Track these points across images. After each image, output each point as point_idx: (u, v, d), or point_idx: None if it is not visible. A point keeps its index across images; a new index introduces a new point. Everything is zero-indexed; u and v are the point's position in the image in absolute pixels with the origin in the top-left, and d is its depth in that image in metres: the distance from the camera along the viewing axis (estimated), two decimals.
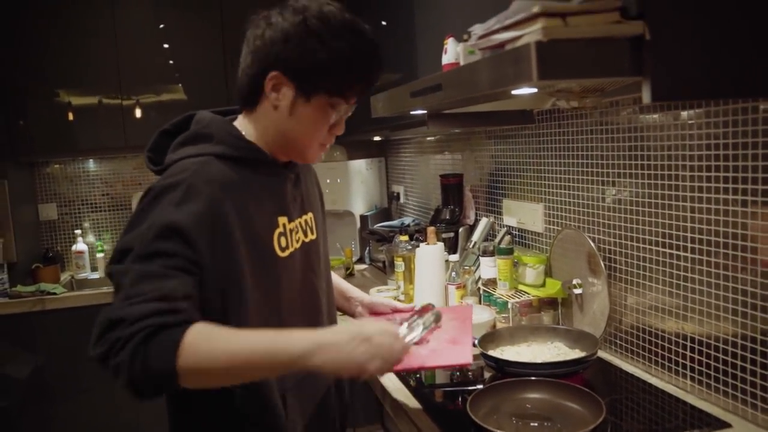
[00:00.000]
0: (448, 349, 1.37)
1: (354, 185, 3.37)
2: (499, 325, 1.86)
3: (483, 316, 1.86)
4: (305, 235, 1.26)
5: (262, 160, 1.15)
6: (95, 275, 3.43)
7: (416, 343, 1.39)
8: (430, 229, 2.13)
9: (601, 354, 1.72)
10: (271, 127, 1.15)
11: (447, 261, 2.08)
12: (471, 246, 2.22)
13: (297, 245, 1.23)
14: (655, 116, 1.46)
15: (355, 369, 0.99)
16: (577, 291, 1.78)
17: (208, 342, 0.94)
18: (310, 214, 1.29)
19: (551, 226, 1.97)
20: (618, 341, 1.68)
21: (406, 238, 2.25)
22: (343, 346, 0.98)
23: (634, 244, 1.57)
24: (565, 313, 1.87)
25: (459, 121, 1.88)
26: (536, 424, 1.26)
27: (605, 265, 1.67)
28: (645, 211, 1.52)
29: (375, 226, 3.11)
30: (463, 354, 1.33)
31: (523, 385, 1.40)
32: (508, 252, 1.89)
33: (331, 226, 3.51)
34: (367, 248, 3.24)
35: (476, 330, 1.71)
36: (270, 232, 1.14)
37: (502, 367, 1.50)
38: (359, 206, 3.38)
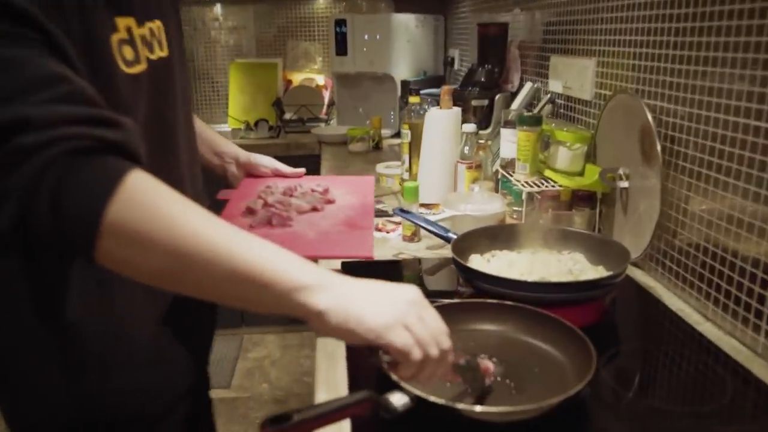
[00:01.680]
0: (345, 236, 0.98)
1: (397, 44, 2.81)
2: (510, 222, 1.37)
3: (489, 206, 1.37)
4: (150, 50, 0.80)
5: None
6: None
7: (301, 212, 0.99)
8: (445, 89, 1.61)
9: (640, 277, 1.20)
10: None
11: (462, 133, 1.57)
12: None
13: (144, 65, 0.78)
14: None
15: (370, 331, 0.64)
16: (623, 184, 1.23)
17: (169, 205, 0.59)
18: (157, 22, 0.82)
19: (603, 90, 1.39)
20: (666, 261, 1.14)
21: (417, 99, 1.74)
22: (362, 294, 0.66)
23: (710, 114, 0.99)
24: (605, 215, 1.34)
25: None
26: (465, 383, 0.80)
27: (663, 147, 1.11)
28: (726, 74, 0.92)
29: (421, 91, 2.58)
30: (363, 243, 0.96)
31: (487, 311, 0.93)
32: (534, 122, 1.35)
33: (366, 91, 3.03)
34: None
35: (471, 223, 1.23)
36: (106, 35, 0.70)
37: (471, 281, 1.03)
38: (402, 71, 2.84)
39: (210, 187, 1.16)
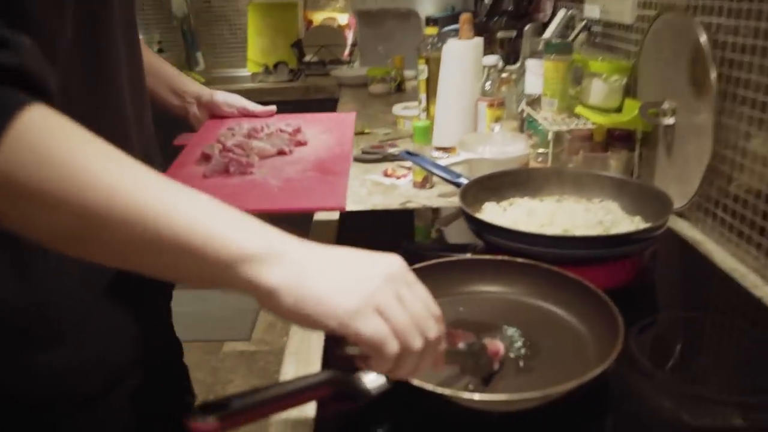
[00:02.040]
0: (314, 183, 0.83)
1: None
2: (534, 166, 1.20)
3: (510, 149, 1.20)
4: None
5: None
6: None
7: (264, 156, 0.85)
8: (465, 17, 1.42)
9: (686, 230, 1.02)
10: None
11: (483, 67, 1.38)
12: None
13: None
14: None
15: (331, 316, 0.48)
16: (667, 120, 1.05)
17: (72, 150, 0.46)
18: None
19: (646, 11, 1.18)
20: (718, 212, 0.96)
21: (434, 30, 1.55)
22: (324, 267, 0.49)
23: None
24: (645, 158, 1.16)
25: None
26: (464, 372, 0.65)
27: (719, 74, 0.92)
28: None
29: (444, 29, 2.37)
30: (334, 192, 0.80)
31: (492, 270, 0.78)
32: (563, 50, 1.16)
33: (389, 30, 2.82)
34: None
35: (489, 168, 1.07)
36: None
37: (480, 233, 0.87)
38: (427, 6, 2.62)
39: (174, 131, 1.02)
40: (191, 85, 1.03)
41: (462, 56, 1.41)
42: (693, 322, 0.79)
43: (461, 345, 0.63)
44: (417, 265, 0.76)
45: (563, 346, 0.68)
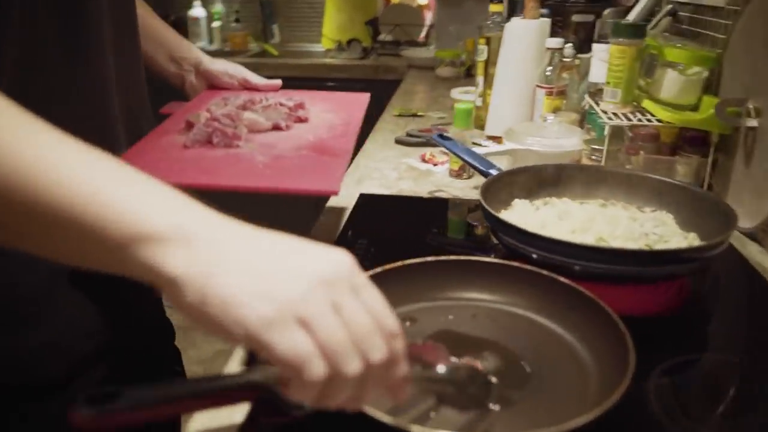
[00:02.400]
0: (307, 162, 0.73)
1: None
2: (586, 163, 1.05)
3: (562, 142, 1.05)
4: None
5: None
6: (211, 47, 3.07)
7: (255, 129, 0.75)
8: None
9: (755, 255, 0.85)
10: None
11: (546, 50, 1.24)
12: None
13: None
14: None
15: (238, 324, 0.37)
16: (751, 122, 0.88)
17: None
18: None
19: None
20: None
21: (499, 8, 1.41)
22: (242, 258, 0.39)
23: None
24: (721, 165, 0.98)
25: None
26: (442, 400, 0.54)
27: None
28: None
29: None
30: (328, 174, 0.69)
31: (485, 274, 0.66)
32: (633, 33, 1.00)
33: (468, 12, 2.66)
34: None
35: (535, 161, 0.94)
36: None
37: (494, 231, 0.75)
38: None
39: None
40: (191, 52, 0.95)
41: (524, 37, 1.27)
42: (744, 372, 0.63)
43: (440, 368, 0.51)
44: (410, 261, 0.66)
45: (559, 379, 0.55)
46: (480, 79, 1.44)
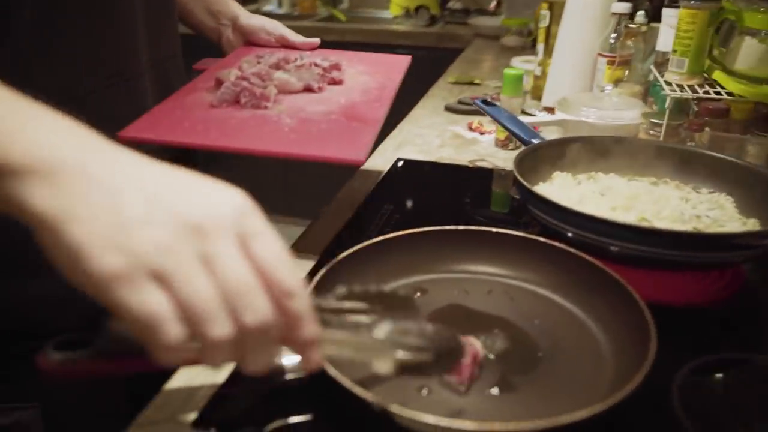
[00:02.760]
0: (335, 128, 0.69)
1: None
2: (644, 138, 0.97)
3: (619, 114, 0.97)
4: None
5: None
6: (280, 11, 3.06)
7: (286, 90, 0.71)
8: None
9: None
10: None
11: (612, 15, 1.14)
12: None
13: None
14: None
15: (87, 274, 0.32)
16: None
17: None
18: None
19: None
20: None
21: None
22: (109, 197, 0.34)
23: None
24: None
25: None
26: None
27: None
28: None
29: None
30: (356, 142, 0.65)
31: (522, 250, 0.61)
32: None
33: None
34: None
35: (588, 133, 0.87)
36: None
37: (525, 204, 0.70)
38: None
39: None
40: (227, 5, 0.92)
41: (588, 1, 1.18)
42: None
43: (413, 338, 0.43)
44: (422, 230, 0.61)
45: (571, 367, 0.50)
46: (540, 46, 1.36)
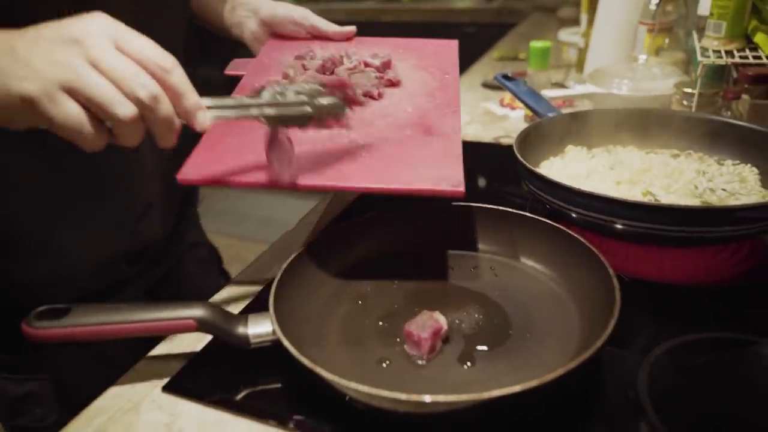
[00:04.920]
0: (415, 147, 0.57)
1: None
2: (677, 109, 0.91)
3: (650, 85, 0.93)
4: None
5: None
6: None
7: (298, 125, 0.50)
8: None
9: None
10: None
11: None
12: None
13: None
14: None
15: (22, 100, 0.42)
16: None
17: None
18: None
19: None
20: None
21: None
22: (10, 48, 0.43)
23: None
24: None
25: None
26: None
27: None
28: None
29: None
30: (447, 164, 0.54)
31: (498, 222, 0.59)
32: None
33: None
34: None
35: (617, 106, 0.83)
36: None
37: (523, 180, 0.68)
38: None
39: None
40: None
41: None
42: None
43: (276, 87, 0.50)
44: (420, 205, 0.61)
45: (540, 343, 0.49)
46: (584, 17, 1.30)
